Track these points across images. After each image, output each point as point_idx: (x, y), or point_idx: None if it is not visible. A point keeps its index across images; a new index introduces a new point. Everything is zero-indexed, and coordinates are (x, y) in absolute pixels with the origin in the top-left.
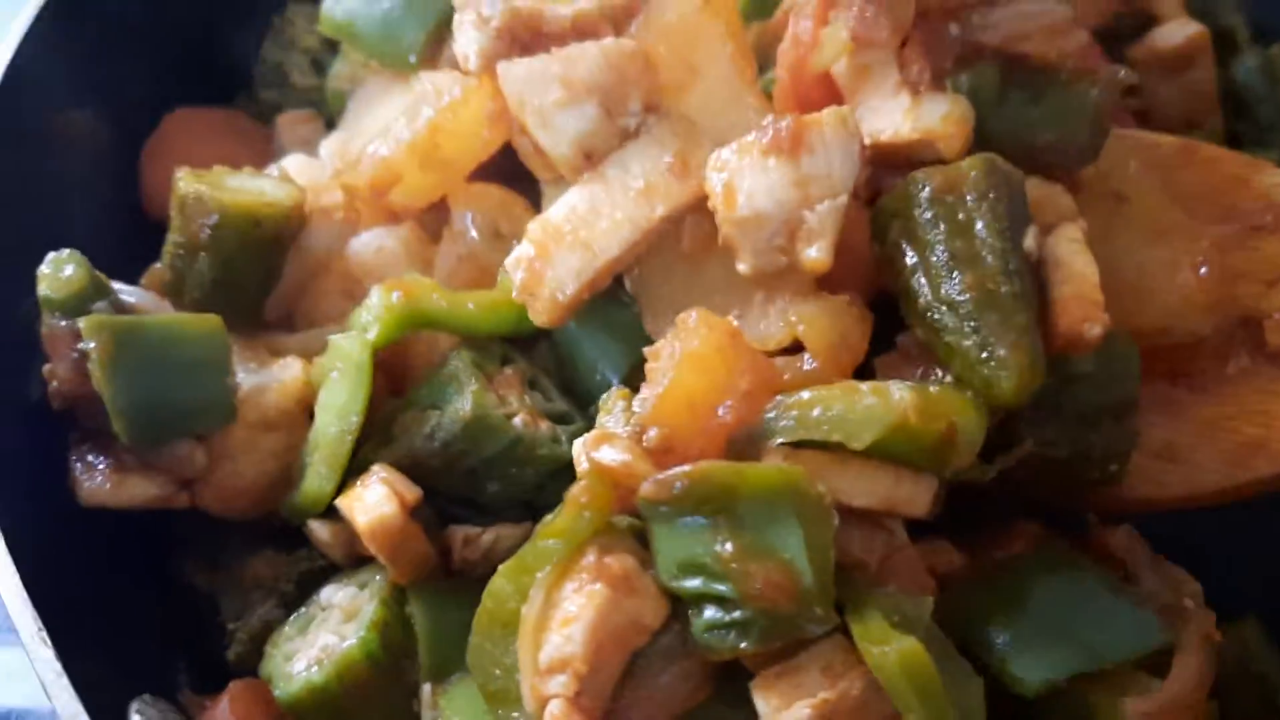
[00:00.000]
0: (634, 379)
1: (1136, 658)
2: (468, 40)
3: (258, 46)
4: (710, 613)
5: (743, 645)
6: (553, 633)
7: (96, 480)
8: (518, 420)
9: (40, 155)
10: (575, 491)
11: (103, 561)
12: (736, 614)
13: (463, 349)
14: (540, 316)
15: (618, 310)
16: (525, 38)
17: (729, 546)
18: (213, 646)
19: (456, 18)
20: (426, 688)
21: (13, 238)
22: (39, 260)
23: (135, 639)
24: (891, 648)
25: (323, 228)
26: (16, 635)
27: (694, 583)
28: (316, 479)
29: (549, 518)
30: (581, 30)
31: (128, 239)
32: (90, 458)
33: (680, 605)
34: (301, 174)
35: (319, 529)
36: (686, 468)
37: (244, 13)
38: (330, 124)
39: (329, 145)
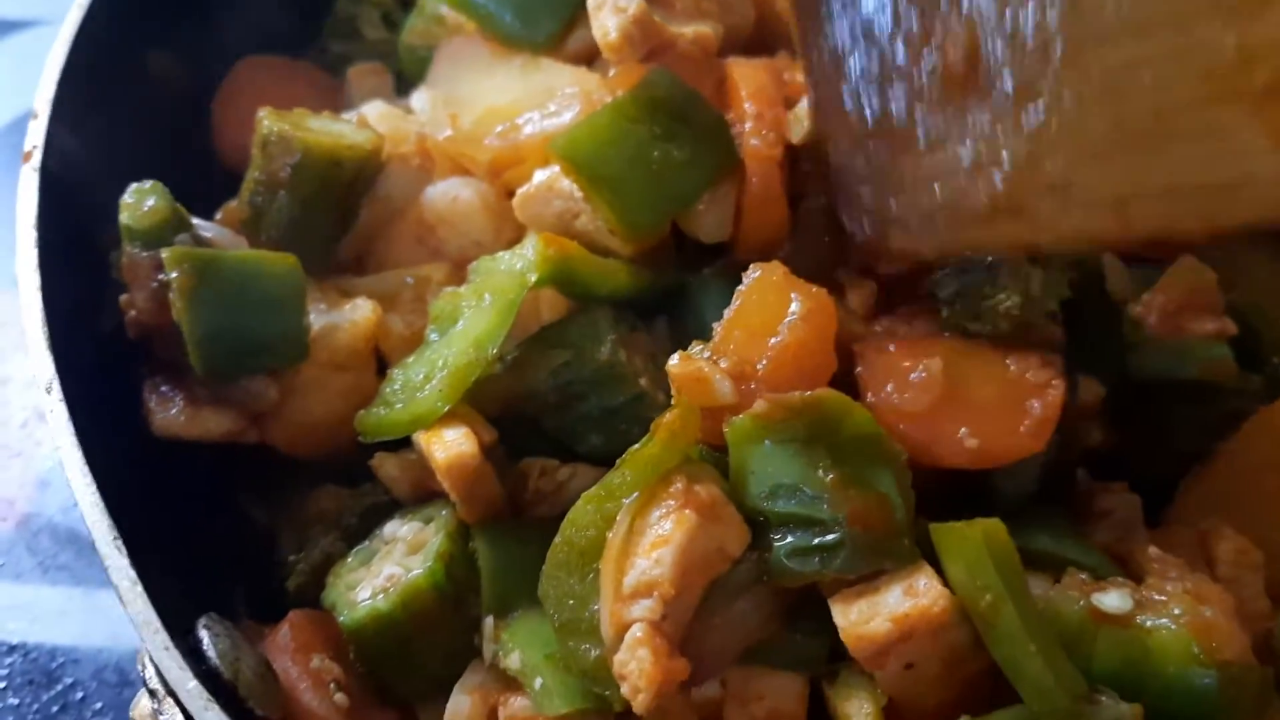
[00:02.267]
0: None
1: None
2: (610, 21)
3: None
4: (797, 536)
5: (828, 569)
6: (639, 557)
7: (170, 411)
8: (643, 380)
9: (119, 95)
10: (667, 419)
11: (170, 490)
12: (826, 538)
13: (607, 306)
14: None
15: None
16: (652, 43)
17: (830, 473)
18: (270, 580)
19: (592, 4)
20: (488, 620)
21: (92, 170)
22: (116, 193)
23: (198, 565)
24: (975, 527)
25: (400, 174)
26: (66, 573)
27: (788, 504)
28: (434, 397)
29: (635, 447)
30: (702, 48)
31: (200, 180)
32: (164, 389)
33: (761, 535)
34: (381, 122)
35: (388, 461)
36: (805, 393)
37: None
38: (400, 76)
39: (422, 98)
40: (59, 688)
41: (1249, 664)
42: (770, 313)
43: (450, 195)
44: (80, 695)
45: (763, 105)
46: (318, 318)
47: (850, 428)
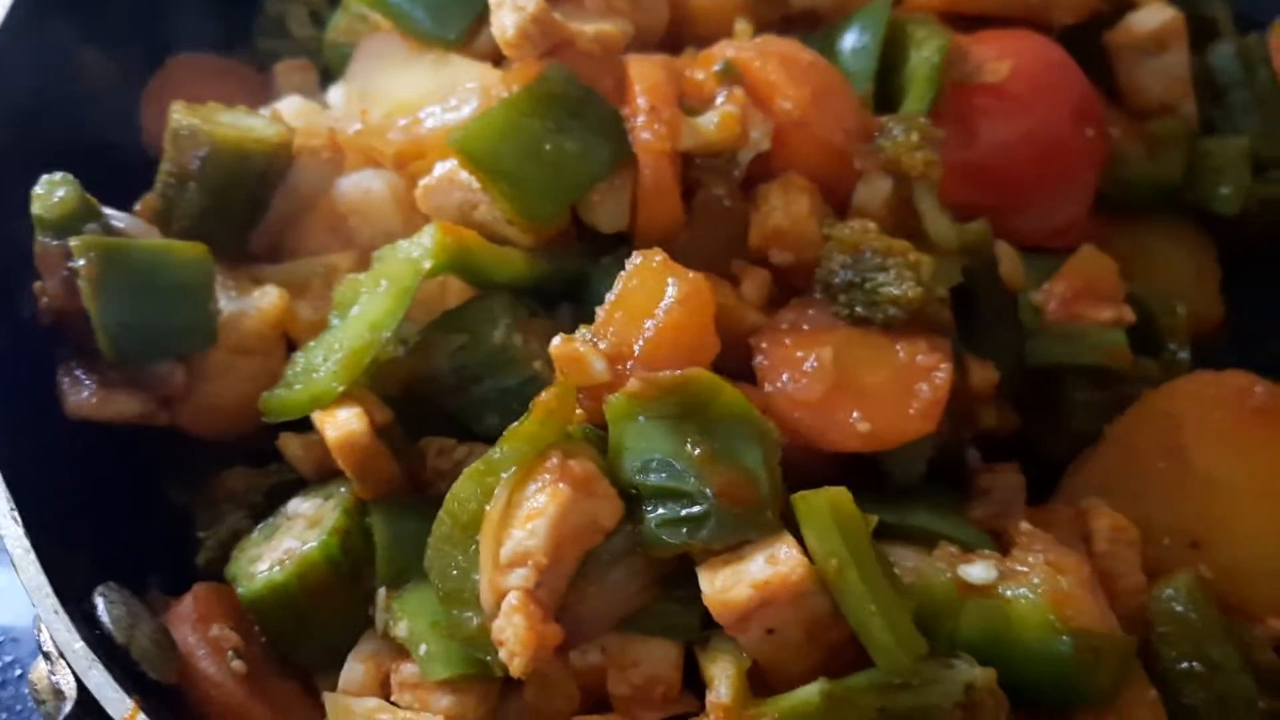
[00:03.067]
0: None
1: None
2: (507, 19)
3: None
4: (666, 509)
5: (694, 539)
6: (515, 528)
7: (82, 394)
8: (538, 363)
9: (46, 91)
10: (544, 397)
11: (85, 471)
12: (694, 509)
13: (506, 292)
14: None
15: None
16: (552, 40)
17: (699, 448)
18: (184, 558)
19: (493, 1)
20: (381, 591)
21: (14, 164)
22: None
23: (109, 541)
24: (821, 495)
25: (310, 167)
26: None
27: (658, 477)
28: (329, 378)
29: (515, 425)
30: (603, 46)
31: (126, 176)
32: (78, 373)
33: (634, 508)
34: (297, 116)
35: (292, 441)
36: (675, 372)
37: None
38: (326, 73)
39: (337, 94)
40: None
41: (1106, 633)
42: (648, 296)
43: (362, 187)
44: (18, 672)
45: (656, 100)
46: (227, 304)
47: (719, 406)
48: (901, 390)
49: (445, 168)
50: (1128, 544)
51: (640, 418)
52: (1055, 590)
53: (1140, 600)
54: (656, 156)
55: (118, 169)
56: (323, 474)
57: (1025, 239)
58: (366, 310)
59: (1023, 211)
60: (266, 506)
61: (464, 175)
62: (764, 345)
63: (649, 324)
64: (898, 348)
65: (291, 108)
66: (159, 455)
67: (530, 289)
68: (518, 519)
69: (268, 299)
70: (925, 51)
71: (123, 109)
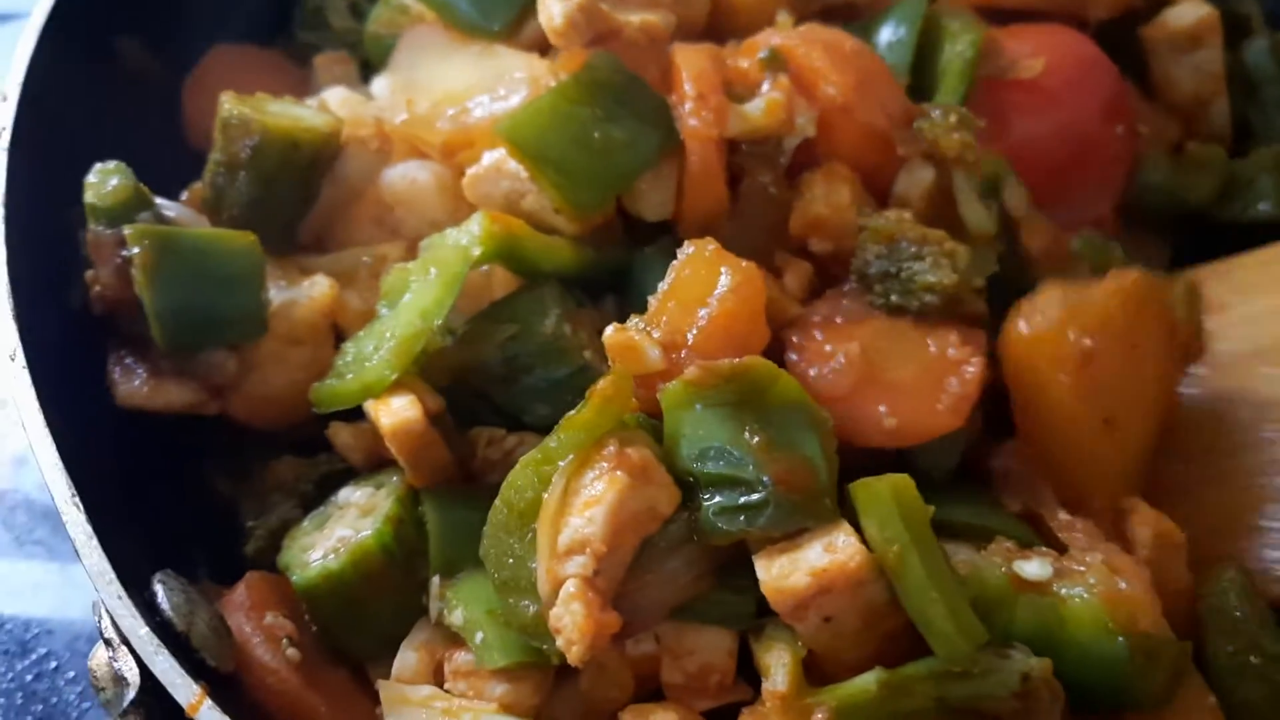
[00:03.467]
0: None
1: None
2: (555, 8)
3: None
4: (724, 496)
5: (752, 527)
6: (573, 516)
7: (134, 383)
8: (588, 353)
9: (91, 80)
10: (601, 385)
11: (134, 460)
12: (752, 497)
13: (554, 281)
14: None
15: None
16: (598, 29)
17: (757, 436)
18: (232, 547)
19: None
20: (435, 580)
21: (62, 152)
22: (84, 174)
23: (159, 530)
24: (884, 481)
25: (358, 157)
26: (41, 548)
27: (716, 465)
28: (382, 366)
29: (571, 413)
30: (648, 36)
31: (170, 165)
32: (129, 362)
33: (691, 495)
34: (342, 106)
35: (343, 430)
36: (733, 360)
37: None
38: (366, 65)
39: (382, 84)
40: (33, 657)
41: (1163, 637)
42: (701, 285)
43: (408, 177)
44: (54, 665)
45: (703, 87)
46: (277, 294)
47: (776, 394)
48: (931, 384)
49: (493, 157)
50: (1174, 549)
51: (696, 406)
52: (1112, 591)
53: (1187, 603)
54: (704, 143)
55: (161, 161)
56: (373, 463)
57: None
58: (417, 298)
59: (1050, 207)
60: (317, 496)
61: (512, 164)
62: (795, 339)
63: (702, 313)
64: (929, 341)
65: (336, 98)
66: (204, 445)
67: (576, 279)
68: (575, 507)
69: (318, 288)
70: (959, 46)
71: (165, 100)
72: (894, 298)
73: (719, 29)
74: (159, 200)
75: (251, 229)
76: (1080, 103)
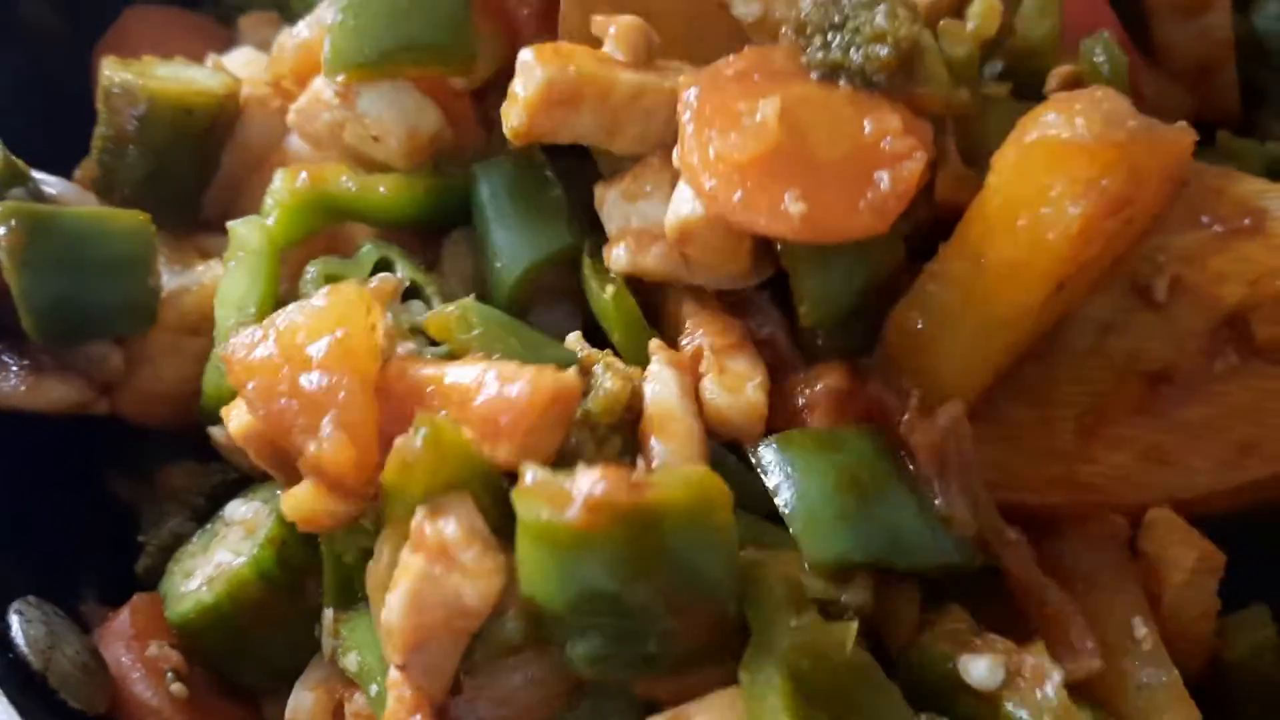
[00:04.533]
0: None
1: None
2: None
3: None
4: (597, 644)
5: (642, 675)
6: (390, 593)
7: (10, 382)
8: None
9: None
10: (399, 443)
11: (22, 466)
12: (642, 650)
13: (371, 247)
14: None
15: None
16: None
17: (655, 585)
18: (128, 561)
19: None
20: (328, 613)
21: None
22: None
23: (45, 545)
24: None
25: (260, 119)
26: None
27: (596, 618)
28: (215, 375)
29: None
30: None
31: (75, 137)
32: (4, 358)
33: (551, 625)
34: (246, 67)
35: (218, 433)
36: (632, 500)
37: None
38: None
39: (283, 36)
40: None
41: None
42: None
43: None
44: None
45: None
46: (169, 279)
47: (672, 520)
48: (856, 174)
49: (315, 85)
50: (1211, 573)
51: (553, 556)
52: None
53: (1208, 627)
54: None
55: (67, 129)
56: (263, 470)
57: None
58: (226, 292)
59: None
60: (209, 508)
61: (328, 93)
62: (695, 91)
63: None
64: (865, 121)
65: (241, 59)
66: (102, 445)
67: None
68: (392, 584)
69: (212, 273)
70: None
71: (76, 64)
72: (834, 52)
73: None
74: (38, 175)
75: (146, 208)
76: None
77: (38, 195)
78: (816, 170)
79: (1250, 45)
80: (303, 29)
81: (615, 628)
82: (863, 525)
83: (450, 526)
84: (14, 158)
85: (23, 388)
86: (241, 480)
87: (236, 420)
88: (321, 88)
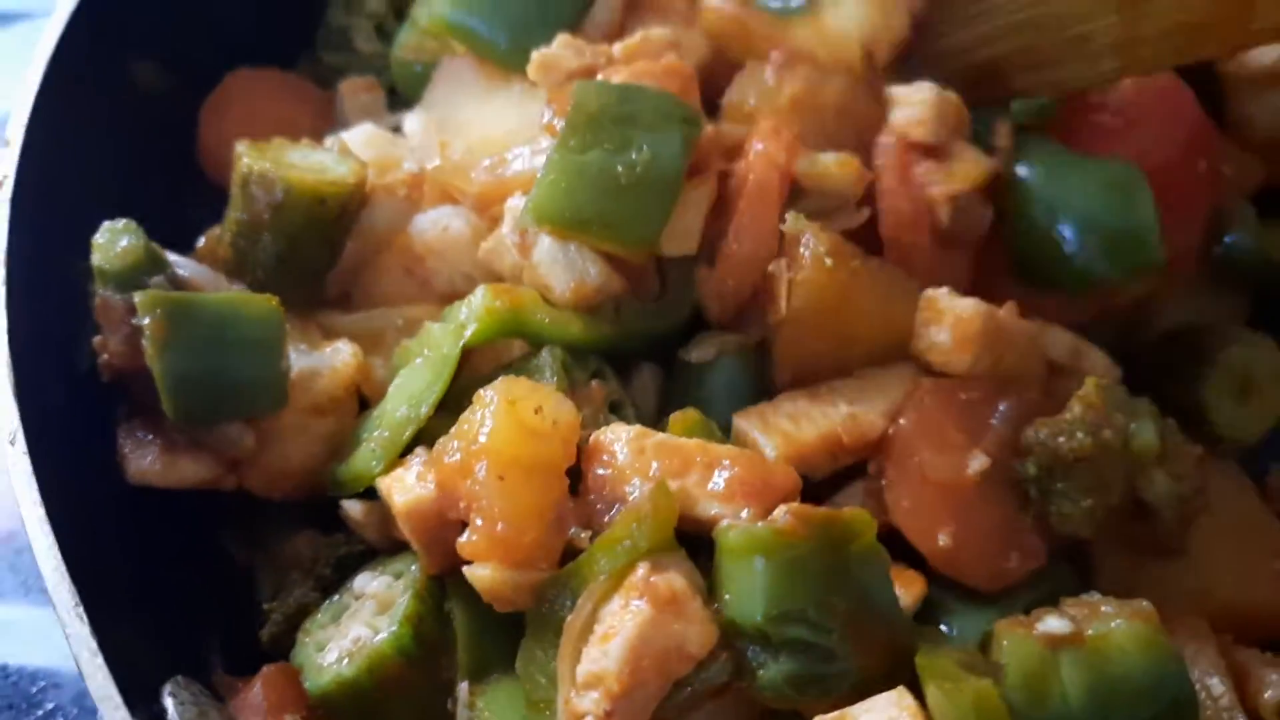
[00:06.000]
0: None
1: None
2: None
3: (323, 9)
4: (797, 662)
5: (827, 697)
6: (592, 646)
7: (146, 460)
8: (585, 433)
9: (103, 105)
10: (636, 502)
11: (144, 534)
12: (831, 668)
13: (558, 348)
14: None
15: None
16: (569, 67)
17: (844, 602)
18: (248, 626)
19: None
20: (463, 686)
21: (69, 191)
22: (94, 216)
23: (171, 614)
24: (967, 685)
25: (386, 205)
26: (47, 597)
27: (796, 630)
28: (367, 458)
29: (606, 531)
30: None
31: (183, 194)
32: (140, 434)
33: (741, 644)
34: (369, 145)
35: (352, 508)
36: (826, 510)
37: None
38: (393, 91)
39: (414, 122)
40: (39, 713)
41: None
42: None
43: (440, 225)
44: None
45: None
46: (298, 359)
47: (859, 546)
48: (998, 551)
49: (501, 232)
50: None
51: (759, 556)
52: (1141, 611)
53: None
54: (769, 166)
55: (175, 188)
56: (390, 543)
57: None
58: (405, 384)
59: None
60: (335, 579)
61: (510, 237)
62: (928, 400)
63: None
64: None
65: (362, 137)
66: (221, 510)
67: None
68: (596, 635)
69: (340, 357)
70: None
71: (179, 126)
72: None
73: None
74: (173, 258)
75: (276, 289)
76: (1163, 132)
77: (174, 280)
78: (978, 526)
79: None
80: (502, 169)
81: (808, 645)
82: None
83: (678, 579)
84: (154, 244)
85: (159, 465)
86: (366, 552)
87: (403, 494)
88: (507, 232)
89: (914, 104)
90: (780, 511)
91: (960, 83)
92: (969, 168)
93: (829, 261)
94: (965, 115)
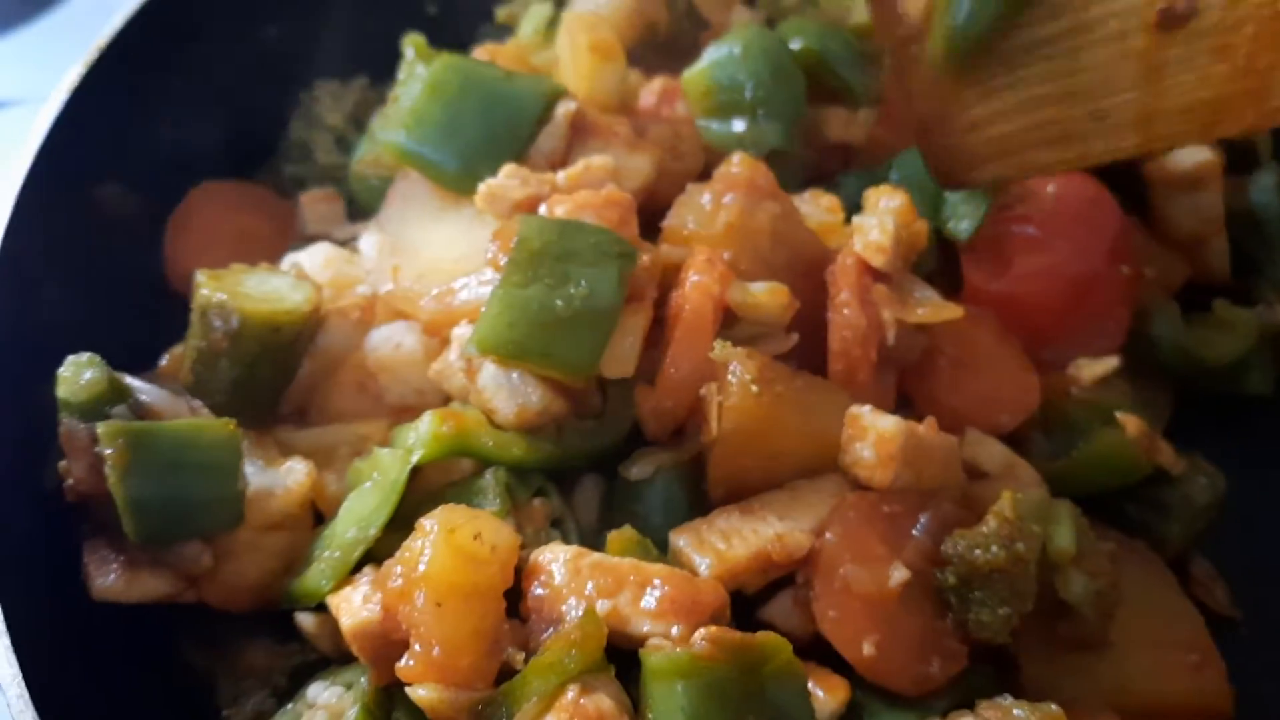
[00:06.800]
0: None
1: None
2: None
3: (284, 122)
4: None
5: None
6: None
7: (109, 577)
8: (524, 553)
9: (69, 225)
10: (567, 629)
11: (105, 646)
12: None
13: (501, 469)
14: None
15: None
16: (514, 198)
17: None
18: None
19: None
20: None
21: (39, 310)
22: (61, 336)
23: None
24: None
25: (340, 326)
26: None
27: None
28: (317, 576)
29: (538, 655)
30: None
31: (150, 309)
32: (104, 553)
33: None
34: (326, 266)
35: (305, 620)
36: (741, 635)
37: (272, 89)
38: (351, 202)
39: (369, 243)
40: None
41: None
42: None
43: (393, 342)
44: None
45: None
46: (254, 476)
47: (774, 667)
48: (919, 657)
49: (448, 356)
50: None
51: (680, 681)
52: (1050, 713)
53: None
54: (703, 296)
55: (141, 304)
56: (344, 654)
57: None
58: (356, 505)
59: (1052, 344)
60: (290, 687)
61: (458, 362)
62: (852, 515)
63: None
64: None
65: (319, 257)
66: (181, 620)
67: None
68: None
69: (294, 477)
70: None
71: (145, 242)
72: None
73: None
74: (135, 383)
75: (235, 411)
76: (1086, 243)
77: (136, 408)
78: (900, 635)
79: (1245, 216)
80: (450, 298)
81: None
82: None
83: (605, 700)
84: (116, 375)
85: (120, 583)
86: (320, 661)
87: (349, 616)
88: (454, 358)
89: (875, 231)
90: (699, 636)
91: (976, 157)
92: (935, 310)
93: (755, 388)
94: (921, 247)
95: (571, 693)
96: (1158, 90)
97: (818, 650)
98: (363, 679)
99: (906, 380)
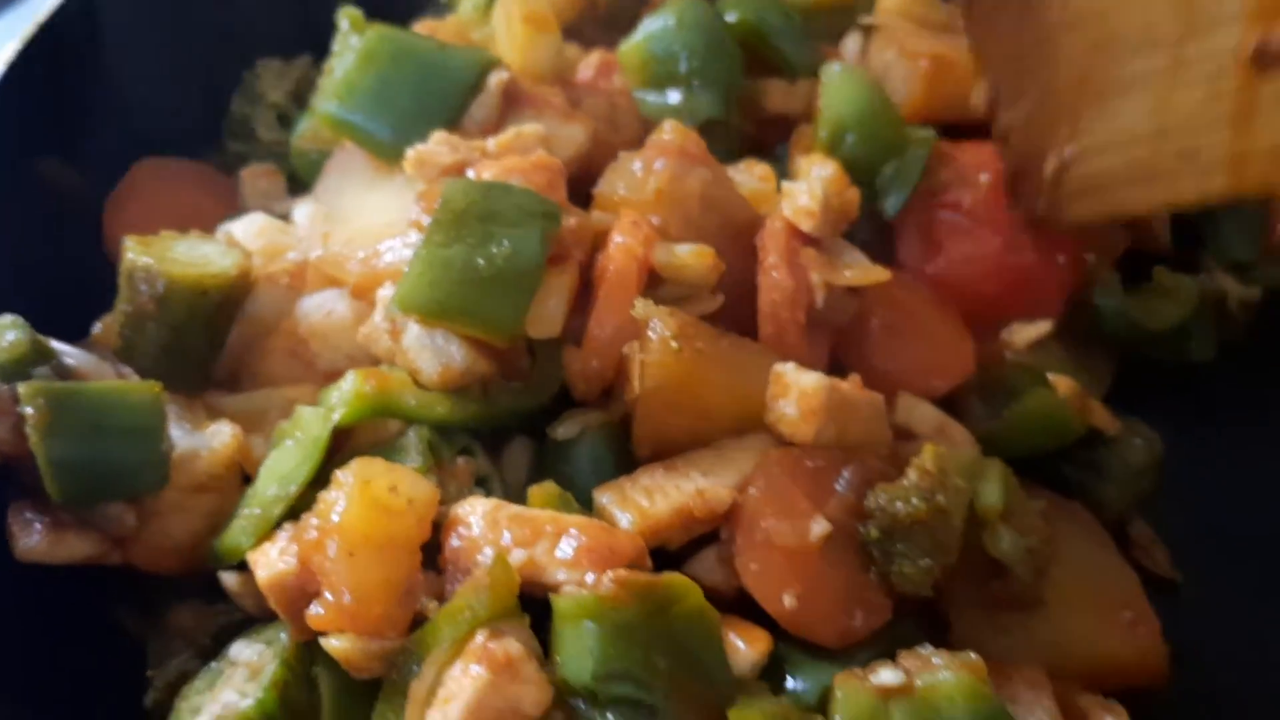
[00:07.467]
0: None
1: None
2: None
3: (226, 100)
4: (621, 719)
5: None
6: (434, 710)
7: (33, 539)
8: (444, 508)
9: (5, 200)
10: (477, 575)
11: (37, 608)
12: None
13: (424, 427)
14: None
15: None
16: (443, 162)
17: (666, 661)
18: (137, 695)
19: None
20: None
21: None
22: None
23: (64, 689)
24: None
25: (271, 292)
26: None
27: (621, 688)
28: (238, 534)
29: (447, 603)
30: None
31: (91, 287)
32: (28, 515)
33: (569, 698)
34: (260, 235)
35: (229, 579)
36: (649, 576)
37: (213, 67)
38: (293, 178)
39: (303, 212)
40: None
41: None
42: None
43: (324, 309)
44: None
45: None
46: (181, 440)
47: (682, 609)
48: (843, 610)
49: (375, 319)
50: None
51: (589, 621)
52: (968, 663)
53: None
54: (627, 257)
55: (82, 282)
56: (267, 612)
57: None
58: (276, 464)
59: (983, 330)
60: (214, 647)
61: (383, 325)
62: (775, 470)
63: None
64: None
65: (252, 227)
66: (112, 583)
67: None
68: (439, 699)
69: (219, 439)
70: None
71: (86, 218)
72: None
73: None
74: (61, 347)
75: (164, 375)
76: (1017, 232)
77: (60, 369)
78: (823, 586)
79: None
80: (376, 260)
81: (634, 702)
82: None
83: (514, 645)
84: (40, 337)
85: (44, 544)
86: (245, 621)
87: (265, 569)
88: (379, 320)
89: (804, 196)
90: (606, 579)
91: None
92: (863, 272)
93: (674, 344)
94: (853, 216)
95: (480, 638)
96: (1250, 130)
97: (742, 606)
98: (283, 635)
99: (840, 345)
